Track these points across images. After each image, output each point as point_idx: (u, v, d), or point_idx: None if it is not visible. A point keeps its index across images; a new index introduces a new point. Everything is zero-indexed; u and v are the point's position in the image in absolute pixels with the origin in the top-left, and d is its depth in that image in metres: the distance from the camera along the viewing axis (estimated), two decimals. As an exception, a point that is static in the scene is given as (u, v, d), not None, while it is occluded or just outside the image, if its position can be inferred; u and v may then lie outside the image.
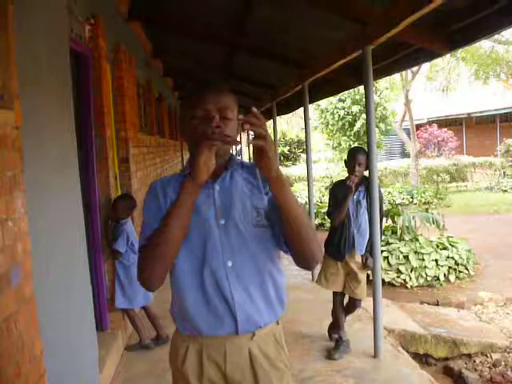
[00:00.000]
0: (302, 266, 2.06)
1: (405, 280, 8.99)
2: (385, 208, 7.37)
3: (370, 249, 4.86)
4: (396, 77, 23.62)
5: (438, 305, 8.27)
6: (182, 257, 1.96)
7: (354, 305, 5.20)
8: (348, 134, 24.06)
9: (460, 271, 9.39)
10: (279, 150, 27.97)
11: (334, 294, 5.13)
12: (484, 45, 22.40)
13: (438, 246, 9.46)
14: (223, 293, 1.97)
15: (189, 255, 1.97)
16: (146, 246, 1.94)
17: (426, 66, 24.63)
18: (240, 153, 26.82)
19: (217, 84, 2.02)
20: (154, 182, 2.11)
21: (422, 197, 18.77)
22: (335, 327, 5.32)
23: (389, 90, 24.67)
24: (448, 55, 20.99)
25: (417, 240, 9.49)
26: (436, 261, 9.19)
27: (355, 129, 23.56)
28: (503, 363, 6.32)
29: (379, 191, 4.86)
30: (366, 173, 4.84)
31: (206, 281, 1.97)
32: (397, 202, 18.03)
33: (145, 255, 1.94)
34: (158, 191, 2.02)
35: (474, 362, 6.39)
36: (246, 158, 22.51)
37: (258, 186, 2.05)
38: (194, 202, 1.89)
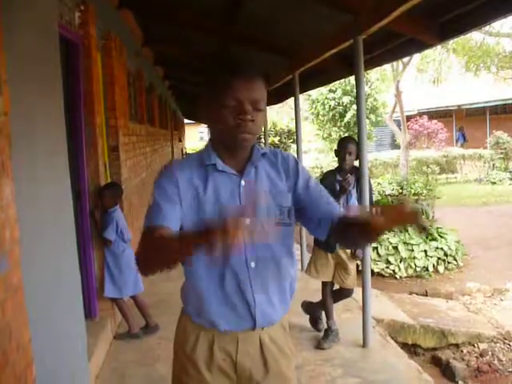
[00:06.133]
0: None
1: (394, 271, 9.04)
2: (374, 198, 7.39)
3: (360, 239, 4.85)
4: (387, 68, 23.59)
5: (426, 295, 8.33)
6: (204, 257, 1.83)
7: (345, 294, 5.21)
8: (338, 124, 24.09)
9: (449, 262, 9.45)
10: (269, 140, 27.92)
11: (324, 283, 5.13)
12: (475, 37, 22.44)
13: (427, 237, 9.50)
14: (244, 294, 1.94)
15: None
16: (150, 237, 1.78)
17: (416, 58, 24.59)
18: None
19: (250, 68, 1.86)
20: (170, 165, 1.99)
21: (411, 188, 18.76)
22: (316, 317, 5.36)
23: (379, 81, 24.68)
24: (439, 47, 21.00)
25: (406, 231, 9.52)
26: (425, 251, 9.25)
27: (346, 119, 23.60)
28: (490, 353, 6.38)
29: (369, 182, 4.86)
30: (357, 163, 4.83)
31: (227, 281, 1.92)
32: (386, 193, 18.04)
33: (145, 246, 1.78)
34: (178, 177, 1.91)
35: (462, 351, 6.44)
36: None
37: (280, 180, 2.01)
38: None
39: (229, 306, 1.95)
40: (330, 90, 23.57)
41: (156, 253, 1.71)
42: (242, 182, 1.94)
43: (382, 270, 9.03)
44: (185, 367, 2.07)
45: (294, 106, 8.00)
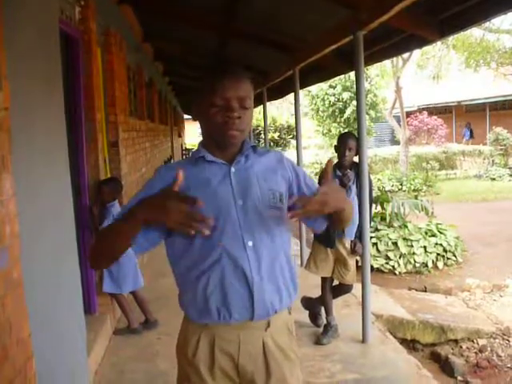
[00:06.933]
0: None
1: (393, 266, 9.03)
2: (374, 194, 7.39)
3: (359, 235, 4.86)
4: (387, 64, 23.63)
5: (425, 291, 8.32)
6: (201, 240, 1.90)
7: (344, 290, 5.22)
8: (338, 120, 24.10)
9: (448, 258, 9.45)
10: (269, 136, 27.93)
11: (323, 279, 5.14)
12: (475, 33, 22.43)
13: (426, 233, 9.50)
14: (243, 273, 1.93)
15: (208, 238, 1.88)
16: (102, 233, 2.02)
17: (416, 54, 24.65)
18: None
19: (236, 69, 1.96)
20: (161, 167, 2.09)
21: (411, 184, 18.83)
22: (315, 313, 5.37)
23: (379, 77, 24.67)
24: (439, 43, 21.03)
25: (406, 227, 9.53)
26: (424, 247, 9.24)
27: (345, 115, 23.60)
28: (489, 349, 6.38)
29: (369, 177, 4.86)
30: (356, 159, 4.83)
31: (226, 263, 1.92)
32: (386, 189, 18.09)
33: (99, 239, 2.00)
34: (166, 176, 1.93)
35: (461, 347, 6.44)
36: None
37: (272, 169, 2.08)
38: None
39: (227, 289, 1.94)
40: (330, 86, 23.56)
41: (105, 241, 1.93)
42: (232, 169, 1.99)
43: (382, 265, 9.03)
44: (187, 373, 2.06)
45: (293, 102, 7.99)
